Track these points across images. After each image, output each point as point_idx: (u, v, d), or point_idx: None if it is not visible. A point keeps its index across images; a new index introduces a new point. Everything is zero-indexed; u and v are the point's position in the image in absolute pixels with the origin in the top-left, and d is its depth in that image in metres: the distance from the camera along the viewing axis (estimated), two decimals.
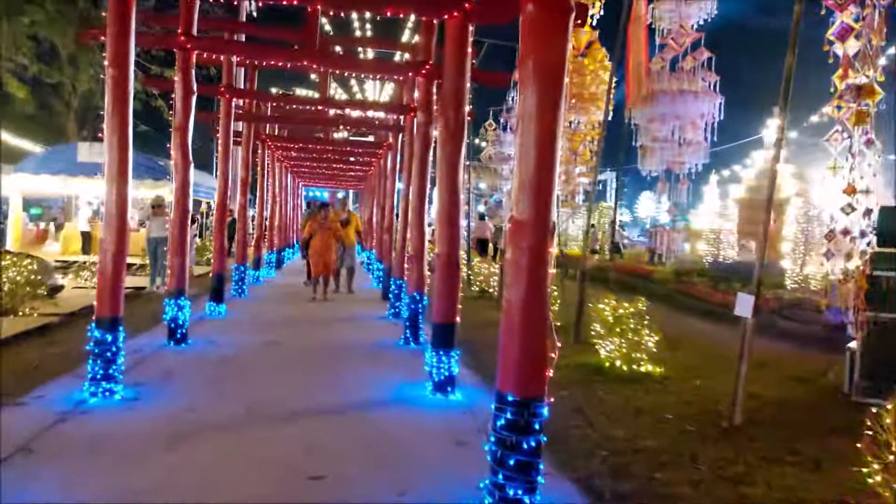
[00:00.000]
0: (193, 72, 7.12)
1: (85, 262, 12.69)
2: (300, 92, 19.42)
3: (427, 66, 7.26)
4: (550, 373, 3.18)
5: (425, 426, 4.75)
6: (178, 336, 7.12)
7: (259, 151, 14.90)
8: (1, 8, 18.74)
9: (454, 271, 5.49)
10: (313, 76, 13.02)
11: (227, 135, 9.49)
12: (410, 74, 7.75)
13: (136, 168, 19.57)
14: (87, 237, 20.31)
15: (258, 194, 15.56)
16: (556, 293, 10.13)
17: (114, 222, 5.00)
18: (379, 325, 9.17)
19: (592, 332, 7.31)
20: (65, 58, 26.42)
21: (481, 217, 26.88)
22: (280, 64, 7.72)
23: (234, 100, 9.70)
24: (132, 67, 5.07)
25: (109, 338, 4.97)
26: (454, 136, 5.38)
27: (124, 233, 5.05)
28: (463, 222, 7.99)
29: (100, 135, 5.03)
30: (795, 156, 19.66)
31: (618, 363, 6.75)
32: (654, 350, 6.85)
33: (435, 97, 7.67)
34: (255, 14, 12.61)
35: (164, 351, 6.86)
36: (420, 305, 7.65)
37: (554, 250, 3.18)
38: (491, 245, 25.70)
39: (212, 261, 9.77)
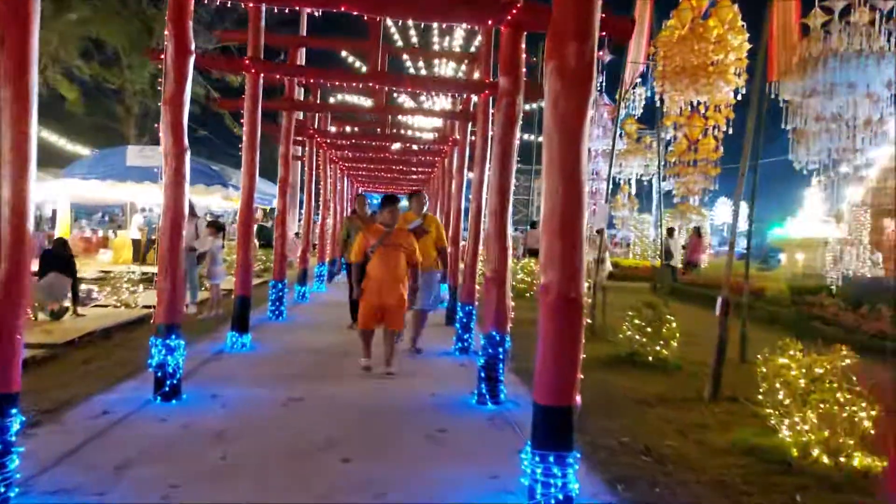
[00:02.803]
0: (191, 25, 5.14)
1: (112, 273, 11.13)
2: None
3: (515, 9, 5.05)
4: None
5: None
6: (167, 389, 5.13)
7: (307, 149, 13.08)
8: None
9: (574, 316, 3.20)
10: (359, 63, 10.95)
11: (254, 122, 7.53)
12: (490, 22, 5.57)
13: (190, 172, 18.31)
14: (137, 245, 19.43)
15: (305, 198, 13.74)
16: (670, 318, 7.63)
17: (6, 231, 3.00)
18: (442, 367, 6.97)
19: (760, 395, 4.93)
20: (125, 62, 25.79)
21: (532, 225, 23.49)
22: (310, 11, 5.77)
23: (264, 77, 7.72)
24: None
25: None
26: (575, 85, 3.10)
27: (22, 248, 3.02)
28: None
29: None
30: None
31: (814, 453, 4.33)
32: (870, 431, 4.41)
33: (524, 57, 5.48)
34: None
35: (143, 413, 4.87)
36: (500, 349, 5.43)
37: None
38: None
39: (234, 278, 7.84)
